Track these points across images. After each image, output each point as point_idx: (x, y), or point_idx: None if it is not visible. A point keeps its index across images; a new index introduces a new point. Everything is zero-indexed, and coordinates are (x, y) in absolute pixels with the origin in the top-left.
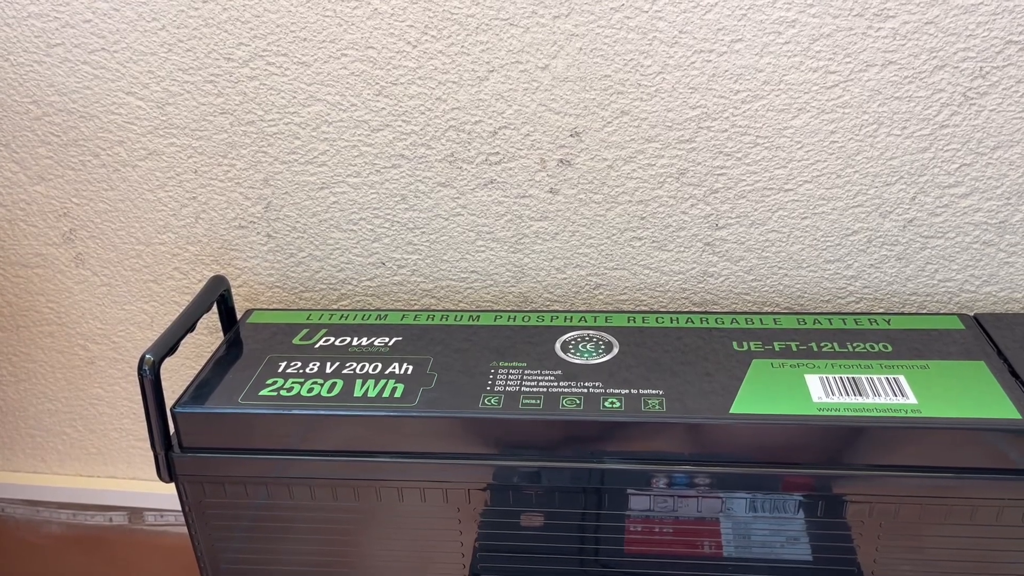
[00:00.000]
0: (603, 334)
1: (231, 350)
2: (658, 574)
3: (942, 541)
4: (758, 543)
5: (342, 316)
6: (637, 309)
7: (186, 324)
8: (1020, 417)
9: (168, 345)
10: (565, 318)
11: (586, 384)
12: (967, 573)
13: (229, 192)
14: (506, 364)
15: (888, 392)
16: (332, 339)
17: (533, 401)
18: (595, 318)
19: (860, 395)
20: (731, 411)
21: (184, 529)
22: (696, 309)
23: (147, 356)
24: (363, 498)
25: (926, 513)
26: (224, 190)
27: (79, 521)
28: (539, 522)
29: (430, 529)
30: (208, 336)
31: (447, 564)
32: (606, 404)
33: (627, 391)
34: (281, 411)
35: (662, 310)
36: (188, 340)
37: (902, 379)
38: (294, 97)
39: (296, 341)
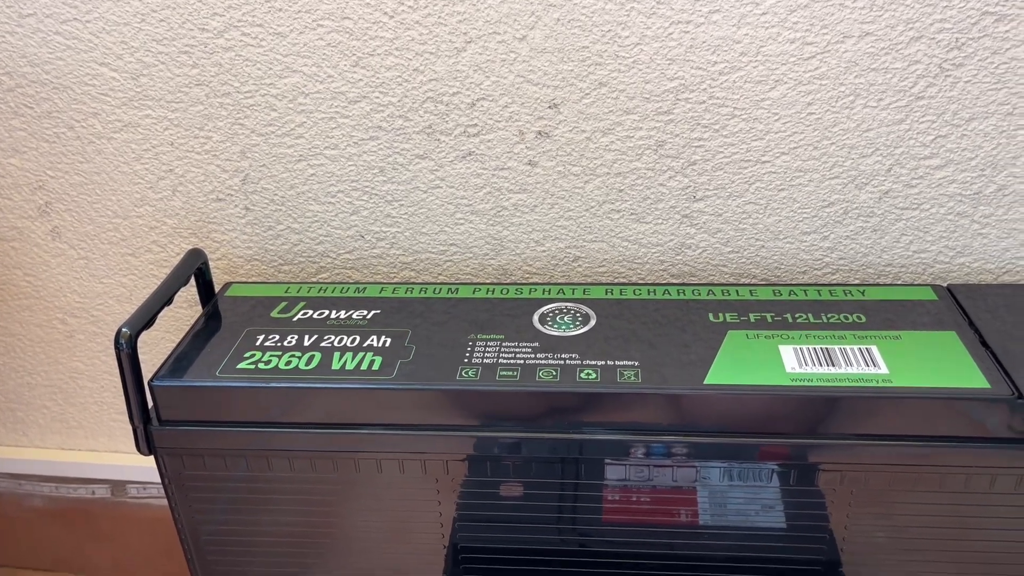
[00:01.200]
0: (581, 306)
1: (209, 323)
2: (636, 542)
3: (911, 508)
4: (733, 511)
5: (321, 289)
6: (616, 281)
7: (163, 297)
8: (988, 386)
9: (145, 319)
10: (544, 291)
11: (563, 356)
12: (936, 539)
13: (206, 165)
14: (484, 336)
15: (860, 362)
16: (310, 312)
17: (510, 373)
18: (573, 290)
19: (833, 365)
20: (705, 382)
21: (167, 502)
22: (674, 281)
23: (123, 330)
24: (342, 470)
25: (896, 481)
26: (201, 163)
27: (61, 494)
28: (517, 492)
29: (409, 500)
30: (187, 310)
31: (426, 534)
32: (582, 375)
33: (603, 362)
34: (259, 384)
35: (640, 282)
36: (166, 313)
37: (874, 349)
38: (270, 68)
39: (274, 314)
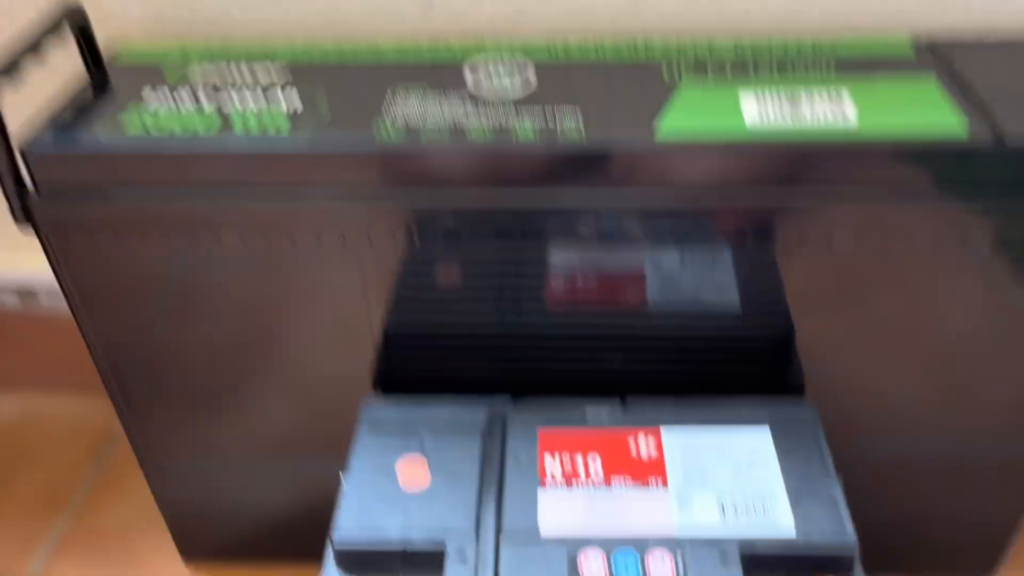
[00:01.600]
0: (519, 62)
1: (93, 84)
2: (580, 323)
3: (874, 275)
4: (684, 282)
5: (223, 48)
6: None
7: (27, 41)
8: (967, 133)
9: (5, 64)
10: (478, 47)
11: (497, 112)
12: (896, 310)
13: None
14: (406, 91)
15: (828, 110)
16: (210, 71)
17: (436, 132)
18: (512, 47)
19: (797, 114)
20: (656, 136)
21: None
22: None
23: None
24: (249, 243)
25: (861, 241)
26: None
27: None
28: (449, 268)
29: (331, 279)
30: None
31: (353, 321)
32: (519, 133)
33: (543, 119)
34: (150, 148)
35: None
36: (47, 88)
37: (844, 94)
38: None
39: (168, 74)
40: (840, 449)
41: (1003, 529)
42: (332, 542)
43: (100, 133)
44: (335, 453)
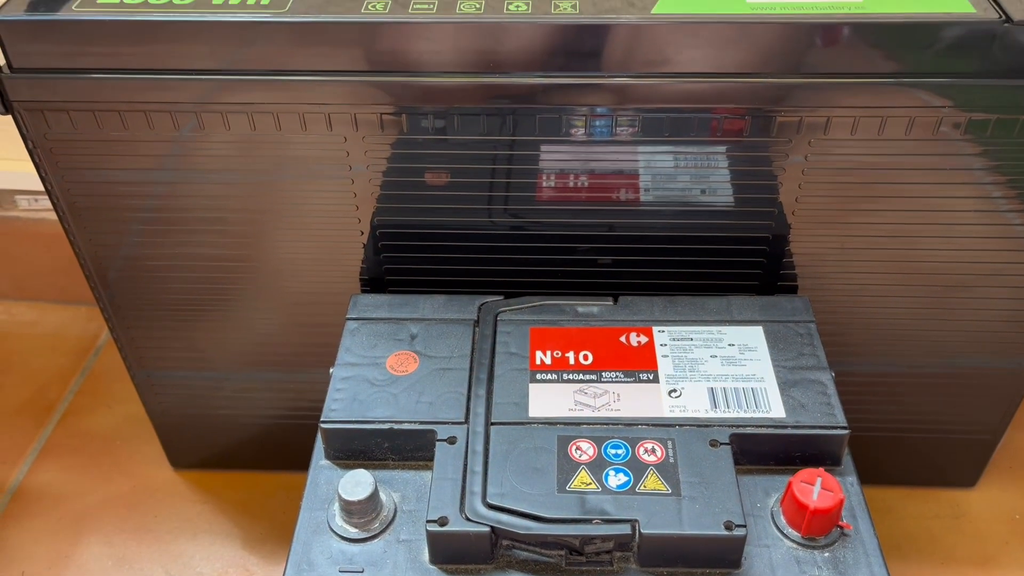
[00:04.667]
0: None
1: None
2: (572, 213)
3: (871, 162)
4: (681, 172)
5: None
6: None
7: None
8: (974, 10)
9: None
10: None
11: None
12: (894, 215)
13: None
14: None
15: None
16: None
17: (425, 5)
18: None
19: None
20: (653, 11)
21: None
22: None
23: None
24: (234, 126)
25: (859, 127)
26: None
27: None
28: (439, 155)
29: (318, 174)
30: None
31: (342, 220)
32: (511, 7)
33: None
34: (123, 18)
35: None
36: None
37: None
38: None
39: None
40: (828, 358)
41: (985, 442)
42: (321, 427)
43: (72, 3)
44: (324, 362)
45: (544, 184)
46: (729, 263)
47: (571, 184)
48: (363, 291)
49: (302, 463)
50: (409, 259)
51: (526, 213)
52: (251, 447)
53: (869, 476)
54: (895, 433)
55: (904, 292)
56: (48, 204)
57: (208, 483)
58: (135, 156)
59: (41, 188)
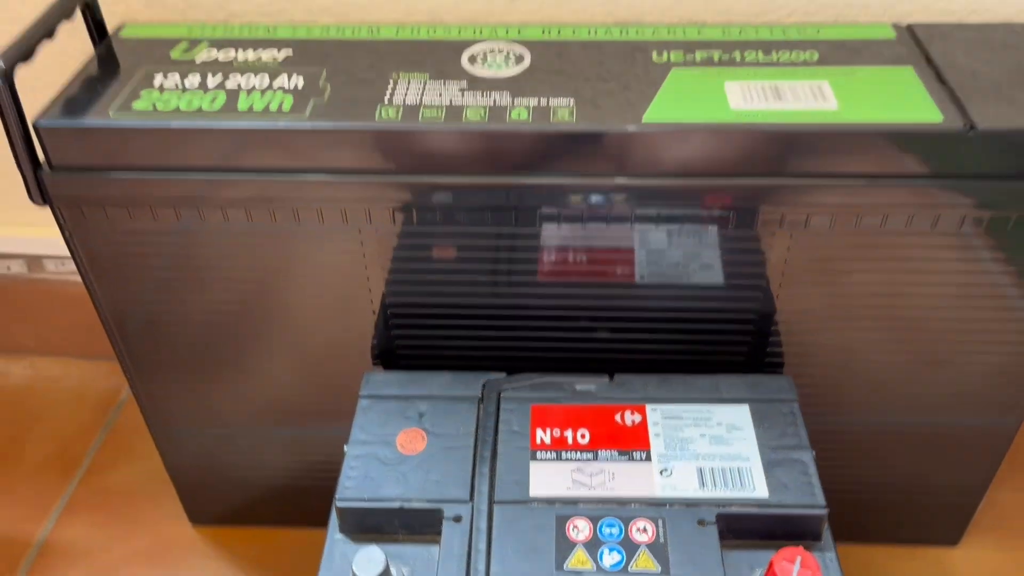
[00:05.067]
0: (514, 46)
1: (102, 63)
2: (570, 295)
3: (849, 253)
4: (670, 260)
5: (226, 30)
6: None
7: (43, 27)
8: (941, 119)
9: (21, 48)
10: (475, 31)
11: (493, 95)
12: (871, 289)
13: None
14: (406, 75)
15: (809, 97)
16: (215, 52)
17: (434, 112)
18: (507, 30)
19: (780, 101)
20: (644, 119)
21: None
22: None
23: None
24: (256, 219)
25: (837, 222)
26: None
27: None
28: (446, 243)
29: (332, 256)
30: (80, 59)
31: (354, 295)
32: (513, 115)
33: (536, 101)
34: (157, 124)
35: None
36: (56, 64)
37: (825, 85)
38: None
39: (175, 54)
40: (815, 420)
41: (968, 500)
42: (336, 505)
43: (110, 109)
44: (337, 420)
45: (544, 265)
46: (719, 338)
47: (569, 265)
48: (374, 360)
49: (317, 519)
50: (418, 335)
51: (527, 292)
52: (267, 503)
53: (853, 534)
54: (878, 491)
55: (886, 357)
56: (74, 267)
57: (226, 539)
58: (159, 231)
59: (67, 253)
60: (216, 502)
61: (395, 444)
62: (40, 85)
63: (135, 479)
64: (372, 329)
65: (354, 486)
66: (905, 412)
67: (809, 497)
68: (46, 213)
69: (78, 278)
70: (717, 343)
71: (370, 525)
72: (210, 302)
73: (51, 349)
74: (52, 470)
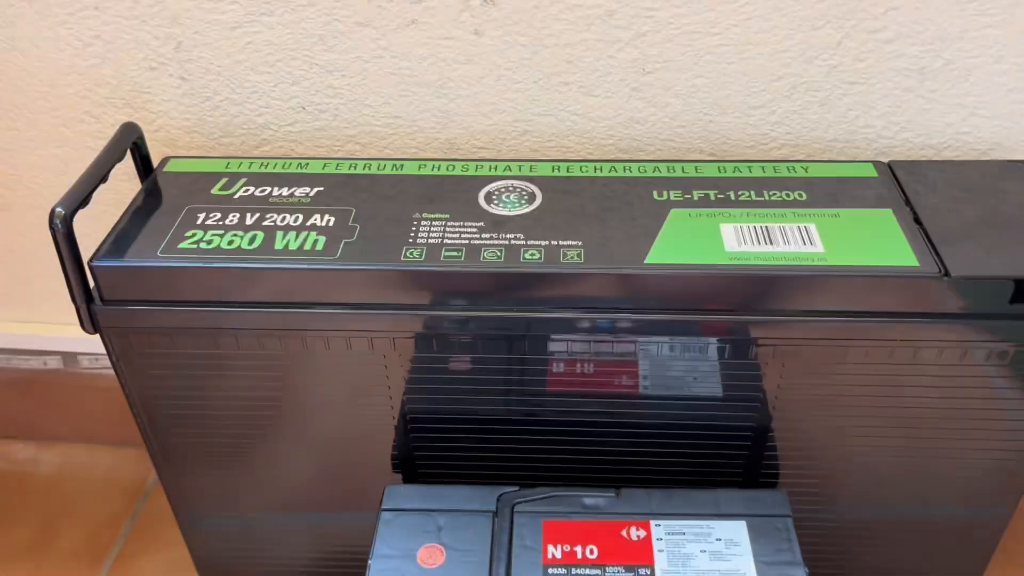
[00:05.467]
0: (527, 184)
1: (148, 200)
2: (578, 412)
3: (840, 379)
4: (671, 383)
5: (262, 164)
6: (564, 156)
7: (98, 175)
8: (917, 264)
9: (80, 197)
10: (491, 167)
11: (507, 236)
12: (861, 408)
13: (135, 31)
14: (429, 216)
15: (798, 241)
16: (252, 189)
17: (455, 253)
18: (520, 167)
19: (771, 244)
20: (646, 261)
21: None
22: (622, 156)
23: (57, 209)
24: (290, 348)
25: (826, 354)
26: (130, 28)
27: (13, 366)
28: (464, 367)
29: (359, 376)
30: (125, 183)
31: (377, 407)
32: (526, 256)
33: (547, 242)
34: (201, 264)
35: (588, 158)
36: (103, 189)
37: (812, 228)
38: None
39: (215, 191)
40: (811, 517)
41: None
42: None
43: (158, 250)
44: (358, 511)
45: (553, 385)
46: (718, 453)
47: (577, 385)
48: (393, 466)
49: None
50: (435, 444)
51: (538, 408)
52: None
53: None
54: None
55: (881, 467)
56: (107, 363)
57: None
58: (197, 354)
59: (102, 350)
60: None
61: (416, 559)
62: (89, 215)
63: (162, 568)
64: (392, 437)
65: None
66: (896, 508)
67: None
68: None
69: (111, 371)
70: (717, 455)
71: None
72: (239, 407)
73: (82, 437)
74: (83, 558)
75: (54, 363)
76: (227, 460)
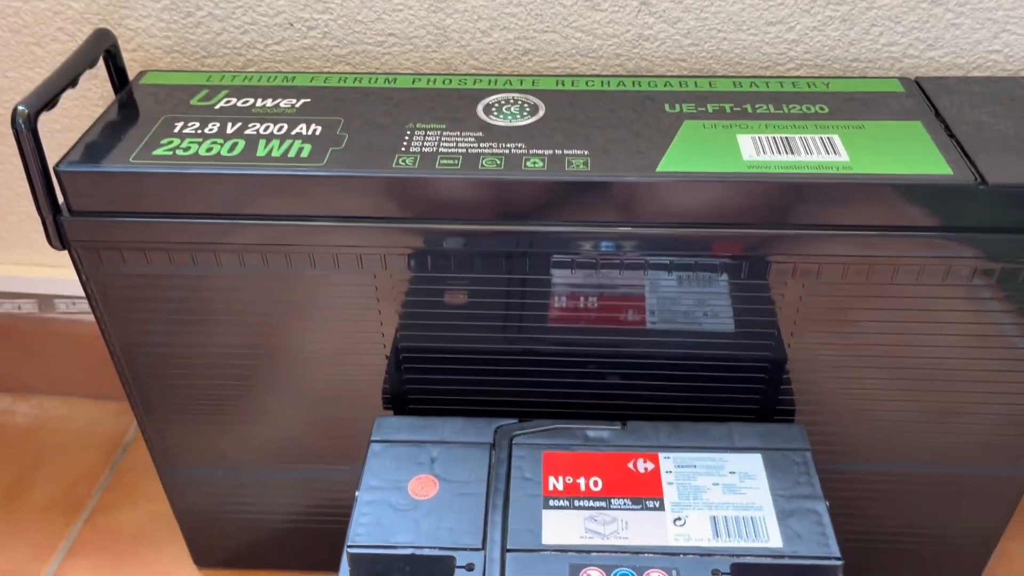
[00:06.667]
0: (529, 97)
1: (122, 110)
2: (582, 341)
3: (861, 302)
4: (681, 309)
5: (246, 78)
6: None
7: (66, 76)
8: (951, 173)
9: (45, 97)
10: (490, 81)
11: (508, 145)
12: (882, 337)
13: None
14: (423, 126)
15: (821, 150)
16: (234, 100)
17: (451, 161)
18: (521, 81)
19: (792, 153)
20: (658, 169)
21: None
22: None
23: (20, 108)
24: (272, 264)
25: (849, 273)
26: None
27: None
28: (461, 291)
29: (347, 300)
30: (100, 104)
31: (367, 338)
32: (528, 164)
33: (551, 151)
34: (177, 170)
35: (593, 74)
36: (75, 106)
37: (836, 138)
38: None
39: (194, 102)
40: (825, 467)
41: (980, 550)
42: (347, 551)
43: (130, 155)
44: (347, 462)
45: (555, 310)
46: (730, 386)
47: (581, 311)
48: (385, 405)
49: (325, 564)
50: (430, 379)
51: (539, 337)
52: (274, 546)
53: None
54: (888, 539)
55: (898, 406)
56: (85, 307)
57: None
58: (175, 274)
59: (79, 293)
60: (222, 545)
61: (407, 490)
62: (60, 129)
63: (141, 520)
64: (384, 373)
65: (366, 532)
66: (916, 460)
67: (823, 548)
68: (58, 253)
69: (88, 317)
70: (729, 390)
71: (382, 572)
72: (221, 343)
73: (58, 388)
74: (58, 511)
75: (29, 307)
76: (211, 404)
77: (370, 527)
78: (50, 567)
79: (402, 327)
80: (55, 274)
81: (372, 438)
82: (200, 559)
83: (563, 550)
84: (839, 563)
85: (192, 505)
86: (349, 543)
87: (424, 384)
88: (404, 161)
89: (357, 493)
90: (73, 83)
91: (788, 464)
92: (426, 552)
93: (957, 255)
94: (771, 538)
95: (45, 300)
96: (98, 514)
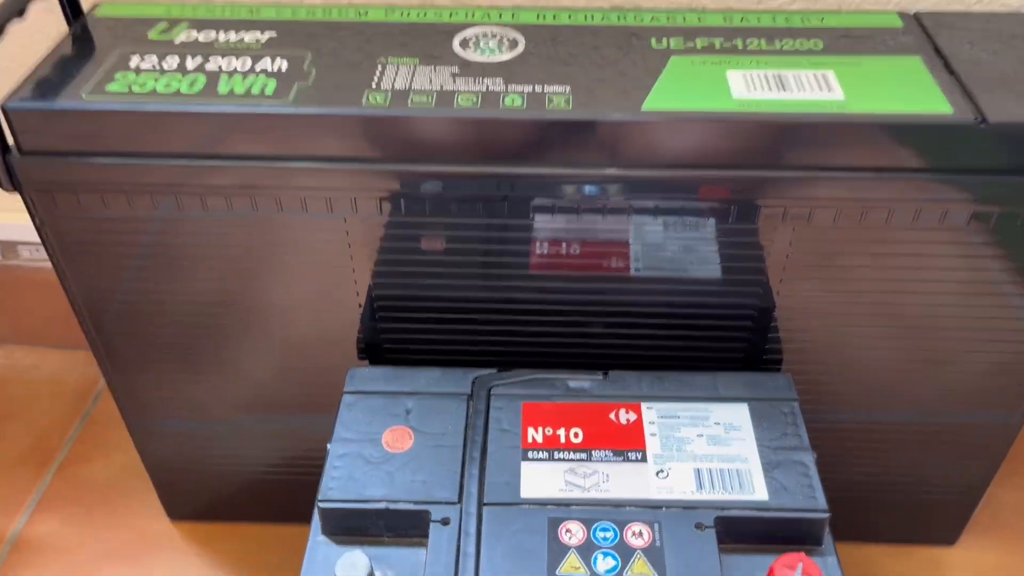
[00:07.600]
0: (508, 31)
1: (75, 45)
2: (563, 289)
3: (852, 247)
4: (667, 255)
5: (208, 10)
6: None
7: (12, 5)
8: (951, 111)
9: None
10: (467, 14)
11: (485, 81)
12: (874, 287)
13: None
14: (395, 60)
15: (815, 88)
16: (195, 33)
17: (424, 98)
18: (500, 14)
19: (784, 90)
20: (643, 108)
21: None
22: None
23: None
24: (236, 208)
25: (841, 217)
26: None
27: None
28: (436, 238)
29: (316, 246)
30: (53, 38)
31: (340, 286)
32: (506, 102)
33: (531, 88)
34: (132, 107)
35: (576, 7)
36: (27, 43)
37: (831, 75)
38: None
39: (152, 35)
40: (812, 417)
41: (967, 499)
42: (319, 506)
43: (82, 91)
44: (320, 414)
45: (536, 257)
46: (717, 335)
47: (563, 257)
48: (359, 355)
49: (298, 516)
50: (405, 328)
51: (519, 285)
52: (247, 498)
53: (848, 533)
54: (875, 489)
55: (887, 354)
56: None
57: (205, 535)
58: (134, 219)
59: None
60: (195, 497)
61: (380, 442)
62: (11, 66)
63: (112, 472)
64: (357, 322)
65: (338, 486)
66: (906, 409)
67: (810, 500)
68: (18, 198)
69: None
70: (715, 339)
71: (354, 527)
72: (188, 292)
73: (26, 338)
74: (27, 462)
75: None
76: (180, 355)
77: (342, 481)
78: (19, 520)
79: (376, 274)
80: (17, 219)
81: (345, 389)
82: (173, 511)
83: (542, 503)
84: (826, 516)
85: (163, 458)
86: (320, 497)
87: (400, 333)
88: (374, 98)
89: (329, 446)
90: (20, 12)
91: (775, 414)
92: (400, 506)
93: (954, 198)
94: (756, 490)
95: (8, 246)
96: (68, 466)
